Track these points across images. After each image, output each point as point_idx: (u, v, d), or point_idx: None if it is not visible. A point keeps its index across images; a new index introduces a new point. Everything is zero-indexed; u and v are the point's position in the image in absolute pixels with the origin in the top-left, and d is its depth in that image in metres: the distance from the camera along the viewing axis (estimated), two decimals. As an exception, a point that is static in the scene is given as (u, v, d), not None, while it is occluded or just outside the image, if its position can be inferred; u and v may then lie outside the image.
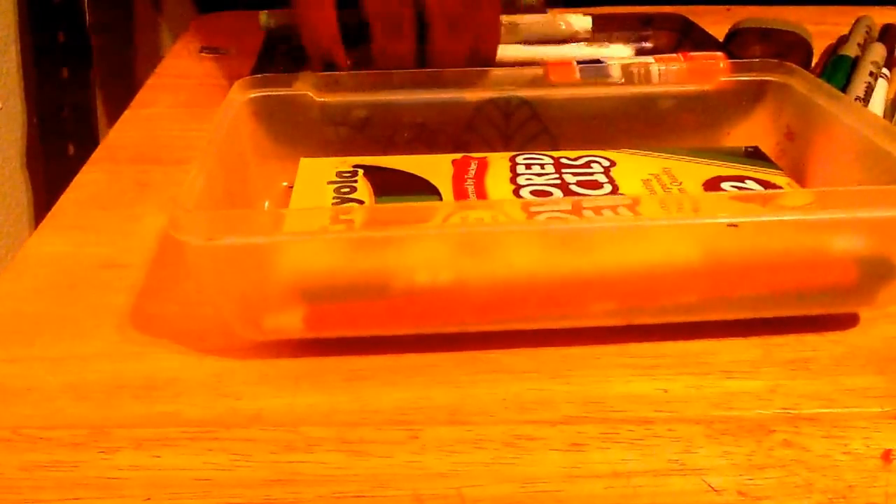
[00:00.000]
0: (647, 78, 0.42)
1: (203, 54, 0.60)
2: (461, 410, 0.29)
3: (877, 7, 0.60)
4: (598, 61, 0.43)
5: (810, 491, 0.27)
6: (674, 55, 0.44)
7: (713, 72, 0.43)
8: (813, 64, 0.53)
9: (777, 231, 0.30)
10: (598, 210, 0.30)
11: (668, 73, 0.42)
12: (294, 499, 0.26)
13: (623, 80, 0.42)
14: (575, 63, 0.43)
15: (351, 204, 0.36)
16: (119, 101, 0.71)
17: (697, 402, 0.30)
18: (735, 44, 0.53)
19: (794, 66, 0.41)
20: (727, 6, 0.64)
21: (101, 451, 0.28)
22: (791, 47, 0.51)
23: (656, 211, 0.29)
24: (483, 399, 0.30)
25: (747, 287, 0.32)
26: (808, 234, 0.30)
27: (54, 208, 0.41)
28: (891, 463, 0.27)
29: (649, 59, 0.43)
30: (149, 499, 0.26)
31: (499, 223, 0.29)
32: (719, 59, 0.44)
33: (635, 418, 0.29)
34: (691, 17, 0.55)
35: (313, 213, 0.30)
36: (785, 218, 0.29)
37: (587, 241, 0.30)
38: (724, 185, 0.37)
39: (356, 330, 0.31)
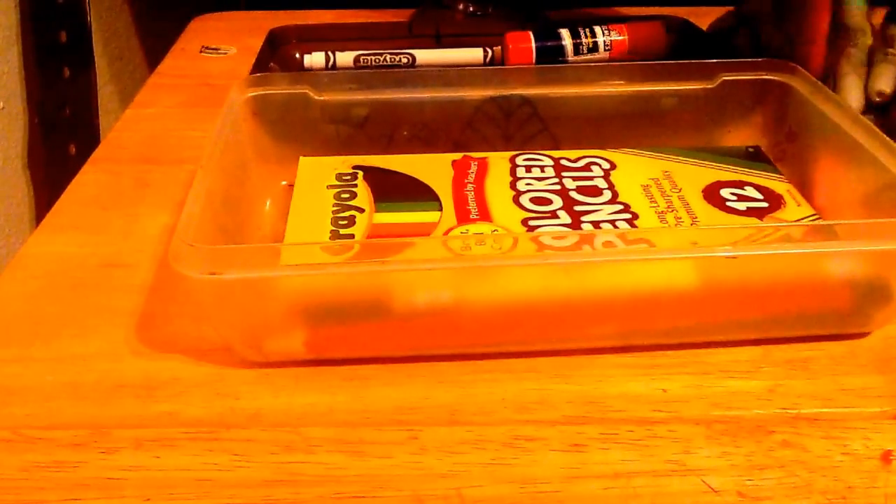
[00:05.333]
0: (594, 45, 0.47)
1: (203, 54, 0.60)
2: (461, 410, 0.29)
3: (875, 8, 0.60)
4: (553, 32, 0.49)
5: (810, 492, 0.27)
6: (618, 25, 0.49)
7: (653, 39, 0.48)
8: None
9: (775, 260, 0.30)
10: (602, 244, 0.30)
11: (614, 43, 0.48)
12: (294, 499, 0.26)
13: (571, 45, 0.47)
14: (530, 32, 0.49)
15: (351, 212, 0.36)
16: (120, 101, 0.71)
17: (697, 402, 0.30)
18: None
19: (796, 66, 0.41)
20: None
21: (101, 451, 0.28)
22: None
23: (657, 243, 0.30)
24: (483, 399, 0.30)
25: (744, 312, 0.32)
26: (807, 263, 0.31)
27: (54, 208, 0.41)
28: (890, 464, 0.27)
29: (595, 27, 0.49)
30: (149, 499, 0.26)
31: (499, 255, 0.29)
32: (658, 26, 0.49)
33: (635, 418, 0.29)
34: (691, 18, 0.55)
35: (312, 246, 0.30)
36: (783, 252, 0.30)
37: (588, 270, 0.30)
38: (724, 191, 0.37)
39: (356, 352, 0.31)
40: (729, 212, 0.36)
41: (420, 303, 0.30)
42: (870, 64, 0.47)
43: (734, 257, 0.29)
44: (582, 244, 0.30)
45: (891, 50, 0.47)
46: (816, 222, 0.35)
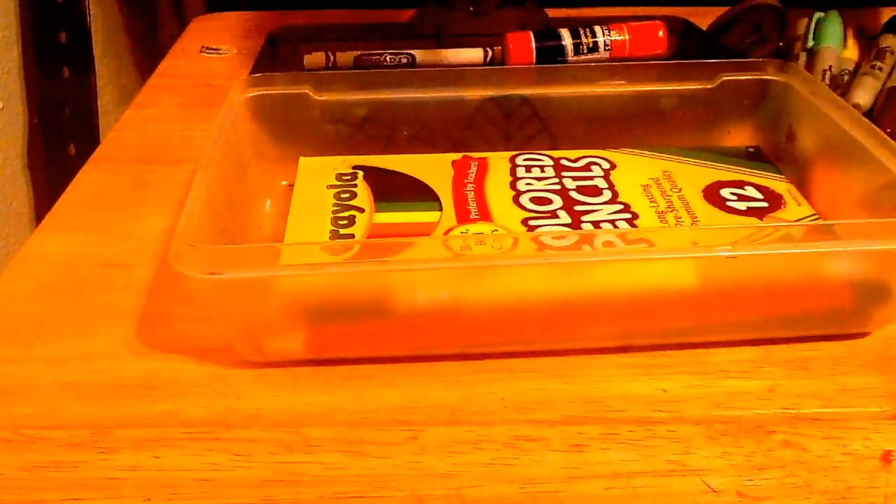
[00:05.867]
0: (594, 46, 0.47)
1: (203, 54, 0.60)
2: (461, 410, 0.29)
3: (872, 8, 0.60)
4: (553, 32, 0.48)
5: (809, 492, 0.27)
6: (618, 25, 0.49)
7: (653, 40, 0.48)
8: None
9: (775, 260, 0.30)
10: (602, 244, 0.30)
11: (614, 43, 0.48)
12: (294, 499, 0.26)
13: (571, 45, 0.47)
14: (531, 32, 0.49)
15: (351, 212, 0.36)
16: (120, 101, 0.71)
17: (697, 401, 0.30)
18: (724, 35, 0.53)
19: (795, 66, 0.41)
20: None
21: (101, 451, 0.28)
22: (762, 10, 0.52)
23: (657, 243, 0.30)
24: (483, 399, 0.30)
25: (744, 312, 0.32)
26: (807, 263, 0.31)
27: (54, 208, 0.41)
28: (890, 464, 0.27)
29: (596, 27, 0.49)
30: (149, 499, 0.26)
31: (499, 255, 0.29)
32: (658, 26, 0.49)
33: (635, 418, 0.29)
34: (691, 18, 0.55)
35: (311, 246, 0.30)
36: (783, 251, 0.30)
37: (588, 270, 0.30)
38: (724, 191, 0.37)
39: (356, 351, 0.31)
40: (729, 211, 0.36)
41: (420, 302, 0.30)
42: (854, 76, 0.48)
43: (734, 257, 0.29)
44: (582, 244, 0.30)
45: (878, 63, 0.47)
46: (816, 222, 0.35)
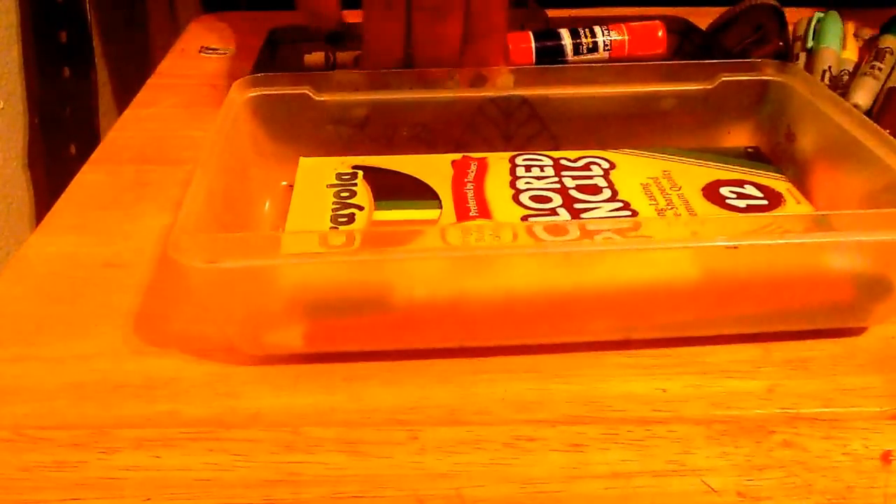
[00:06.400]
0: (594, 46, 0.47)
1: (203, 54, 0.60)
2: (461, 410, 0.29)
3: (872, 8, 0.60)
4: (553, 32, 0.48)
5: (809, 492, 0.27)
6: (618, 25, 0.49)
7: (653, 40, 0.48)
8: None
9: (776, 251, 0.30)
10: (601, 234, 0.30)
11: (614, 43, 0.48)
12: (294, 499, 0.26)
13: (571, 45, 0.47)
14: (530, 33, 0.48)
15: (351, 210, 0.36)
16: (120, 101, 0.72)
17: (697, 401, 0.30)
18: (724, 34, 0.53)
19: (795, 65, 0.41)
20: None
21: (101, 451, 0.28)
22: (762, 10, 0.53)
23: (657, 233, 0.30)
24: (483, 399, 0.30)
25: (745, 305, 0.32)
26: (807, 254, 0.31)
27: (54, 208, 0.41)
28: (890, 464, 0.27)
29: (595, 27, 0.48)
30: (149, 499, 0.26)
31: (498, 245, 0.29)
32: (658, 26, 0.48)
33: (635, 418, 0.29)
34: (691, 18, 0.55)
35: (312, 235, 0.30)
36: (784, 242, 0.30)
37: (588, 261, 0.30)
38: (724, 189, 0.37)
39: (355, 345, 0.31)
40: (729, 209, 0.36)
41: (419, 293, 0.30)
42: (853, 76, 0.48)
43: (735, 247, 0.29)
44: (582, 236, 0.29)
45: (878, 64, 0.47)
46: (817, 213, 0.35)
